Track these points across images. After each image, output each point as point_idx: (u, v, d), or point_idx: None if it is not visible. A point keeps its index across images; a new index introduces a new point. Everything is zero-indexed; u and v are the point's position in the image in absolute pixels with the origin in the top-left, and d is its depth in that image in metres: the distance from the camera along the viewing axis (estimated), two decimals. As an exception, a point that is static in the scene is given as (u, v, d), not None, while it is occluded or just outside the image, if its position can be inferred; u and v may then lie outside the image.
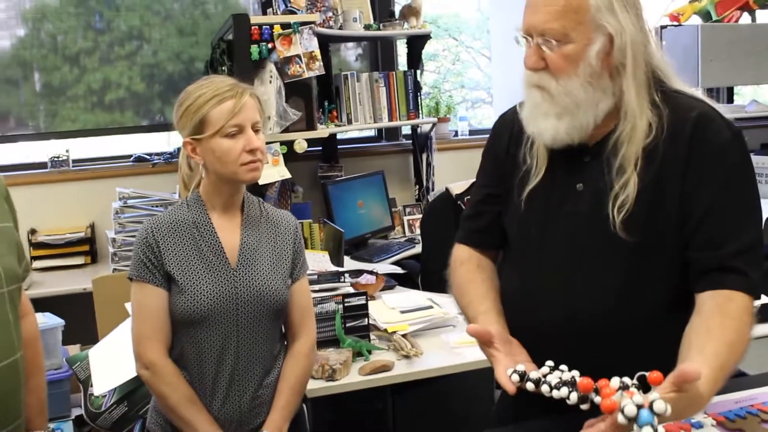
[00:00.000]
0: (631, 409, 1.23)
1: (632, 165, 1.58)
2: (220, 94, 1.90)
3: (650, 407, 1.23)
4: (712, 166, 1.58)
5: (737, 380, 1.83)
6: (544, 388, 1.44)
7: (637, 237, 1.58)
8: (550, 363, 1.51)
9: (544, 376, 1.46)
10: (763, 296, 3.18)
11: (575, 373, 1.45)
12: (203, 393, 1.96)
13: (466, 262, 1.85)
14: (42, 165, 4.34)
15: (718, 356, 1.42)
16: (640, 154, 1.58)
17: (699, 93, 1.69)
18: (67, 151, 4.36)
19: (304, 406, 2.47)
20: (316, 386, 2.43)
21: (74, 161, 4.39)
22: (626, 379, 1.35)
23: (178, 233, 1.96)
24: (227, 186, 1.98)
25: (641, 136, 1.58)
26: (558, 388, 1.41)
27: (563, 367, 1.49)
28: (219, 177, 1.96)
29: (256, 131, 1.94)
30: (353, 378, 2.49)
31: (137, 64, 4.61)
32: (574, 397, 1.38)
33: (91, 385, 2.65)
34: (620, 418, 1.25)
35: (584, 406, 1.37)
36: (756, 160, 4.98)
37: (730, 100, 5.65)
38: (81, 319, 3.44)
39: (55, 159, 4.32)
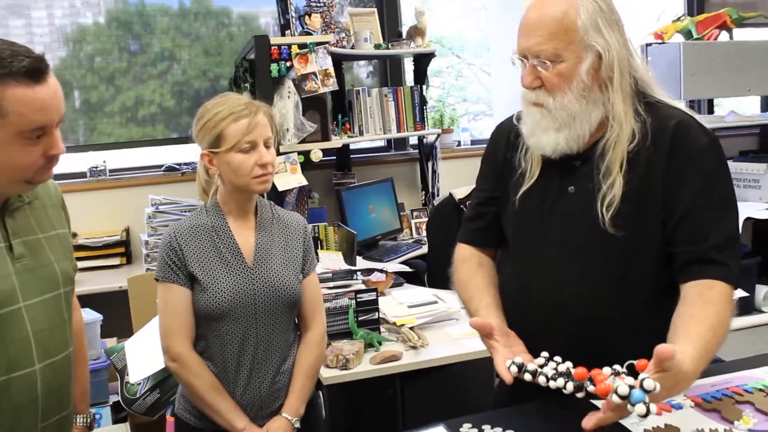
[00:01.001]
0: (623, 389, 1.25)
1: (617, 167, 1.59)
2: (236, 113, 1.92)
3: (641, 386, 1.25)
4: (691, 168, 1.59)
5: (714, 366, 1.82)
6: (541, 379, 1.45)
7: (625, 232, 1.59)
8: (545, 354, 1.52)
9: (541, 367, 1.47)
10: (739, 290, 3.19)
11: (569, 364, 1.45)
12: (226, 381, 1.97)
13: (468, 261, 1.86)
14: (81, 174, 4.36)
15: (701, 337, 1.43)
16: (624, 157, 1.59)
17: (680, 103, 1.70)
18: (104, 161, 4.38)
19: (320, 392, 2.49)
20: (331, 374, 2.45)
21: (110, 171, 4.40)
22: (617, 367, 1.35)
23: (198, 237, 1.98)
24: (240, 194, 1.99)
25: (625, 141, 1.60)
26: (554, 379, 1.42)
27: (557, 358, 1.50)
28: (233, 186, 1.98)
29: (267, 147, 1.96)
30: (365, 367, 2.50)
31: (168, 82, 4.63)
32: (570, 386, 1.38)
33: (127, 374, 2.66)
34: (614, 398, 1.26)
35: (580, 395, 1.38)
36: (734, 166, 4.95)
37: (711, 111, 5.62)
38: (117, 315, 3.46)
39: (94, 169, 4.34)
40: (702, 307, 1.50)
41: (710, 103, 5.64)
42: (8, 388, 1.50)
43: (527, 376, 1.47)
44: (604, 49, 1.57)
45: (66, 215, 1.77)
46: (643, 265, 1.63)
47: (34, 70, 1.41)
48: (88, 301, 3.36)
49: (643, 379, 1.26)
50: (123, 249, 4.20)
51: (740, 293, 3.65)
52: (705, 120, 1.66)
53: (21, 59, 1.40)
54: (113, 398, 3.20)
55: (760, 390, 1.64)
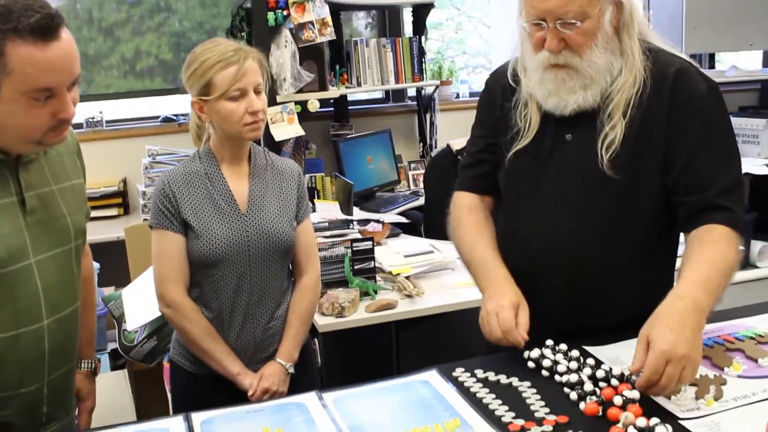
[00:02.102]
0: None
1: (621, 111, 1.57)
2: (224, 59, 1.87)
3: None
4: (692, 114, 1.57)
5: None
6: (557, 378, 1.49)
7: (622, 175, 1.57)
8: (549, 342, 1.58)
9: (555, 360, 1.52)
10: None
11: (575, 353, 1.53)
12: (221, 327, 1.96)
13: (475, 212, 1.81)
14: (78, 125, 4.30)
15: (700, 267, 1.45)
16: (630, 102, 1.57)
17: (676, 50, 1.67)
18: (100, 112, 4.35)
19: (316, 339, 2.50)
20: (326, 322, 2.46)
21: (107, 122, 4.38)
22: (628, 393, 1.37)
23: (192, 184, 1.95)
24: (233, 142, 1.96)
25: (632, 86, 1.57)
26: (571, 387, 1.44)
27: (562, 346, 1.56)
28: (224, 134, 1.95)
29: (258, 93, 1.92)
30: (361, 315, 2.52)
31: (165, 34, 4.58)
32: (574, 395, 1.42)
33: (125, 322, 2.67)
34: None
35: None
36: (734, 121, 4.84)
37: (712, 65, 5.57)
38: (115, 264, 3.47)
39: (90, 120, 4.31)
40: (699, 247, 1.50)
41: (711, 57, 5.59)
42: (17, 342, 1.49)
43: (544, 372, 1.52)
44: None
45: (81, 163, 1.73)
46: (637, 215, 1.62)
47: (43, 27, 1.33)
48: (86, 250, 3.36)
49: (654, 425, 1.26)
50: (120, 200, 4.19)
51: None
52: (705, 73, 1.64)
53: (31, 15, 1.32)
54: (111, 345, 3.21)
55: (751, 338, 1.65)
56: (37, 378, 1.54)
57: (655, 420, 1.26)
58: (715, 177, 1.55)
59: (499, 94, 1.77)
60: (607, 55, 1.57)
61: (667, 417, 1.31)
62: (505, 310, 1.56)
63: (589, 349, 1.60)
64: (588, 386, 1.41)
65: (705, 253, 1.48)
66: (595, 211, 1.62)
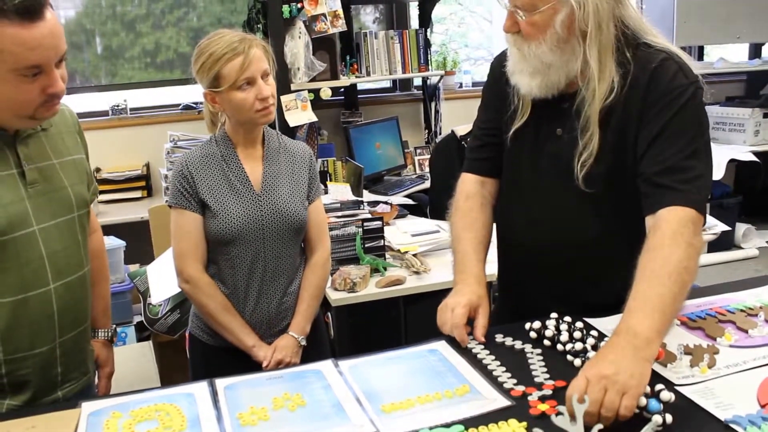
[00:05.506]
0: (642, 400, 1.20)
1: (595, 123, 1.51)
2: (230, 51, 1.84)
3: (657, 397, 1.22)
4: (663, 104, 1.48)
5: (699, 289, 1.82)
6: (559, 347, 1.48)
7: (597, 189, 1.54)
8: (554, 315, 1.56)
9: (557, 329, 1.51)
10: (720, 224, 3.17)
11: (579, 325, 1.51)
12: (236, 302, 1.95)
13: (472, 198, 1.77)
14: (104, 113, 4.32)
15: (637, 294, 1.32)
16: (598, 113, 1.50)
17: (671, 46, 1.55)
18: (125, 101, 4.33)
19: (329, 313, 2.49)
20: (339, 297, 2.45)
21: (131, 110, 4.37)
22: None
23: (209, 166, 1.93)
24: (246, 127, 1.94)
25: (601, 97, 1.50)
26: (574, 355, 1.43)
27: (567, 318, 1.54)
28: (238, 121, 1.93)
29: (265, 78, 1.88)
30: (371, 290, 2.51)
31: (184, 29, 4.55)
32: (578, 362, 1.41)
33: (149, 296, 2.67)
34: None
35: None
36: (721, 110, 4.90)
37: (701, 57, 5.53)
38: (140, 242, 3.46)
39: (115, 107, 4.31)
40: (641, 263, 1.37)
41: (701, 50, 5.55)
42: (25, 305, 1.50)
43: (546, 342, 1.50)
44: (578, 2, 1.46)
45: (83, 141, 1.72)
46: (625, 213, 1.56)
47: (28, 8, 1.33)
48: (113, 230, 3.37)
49: (659, 391, 1.23)
50: (144, 182, 4.19)
51: (722, 227, 3.63)
52: (695, 66, 1.55)
53: None
54: (137, 318, 3.21)
55: (742, 311, 1.63)
56: (48, 339, 1.55)
57: (660, 386, 1.24)
58: (669, 158, 1.45)
59: (504, 79, 1.73)
60: (558, 54, 1.50)
61: (664, 384, 1.29)
62: (460, 307, 1.55)
63: (591, 321, 1.58)
64: (591, 354, 1.40)
65: (645, 271, 1.35)
66: (587, 203, 1.58)
